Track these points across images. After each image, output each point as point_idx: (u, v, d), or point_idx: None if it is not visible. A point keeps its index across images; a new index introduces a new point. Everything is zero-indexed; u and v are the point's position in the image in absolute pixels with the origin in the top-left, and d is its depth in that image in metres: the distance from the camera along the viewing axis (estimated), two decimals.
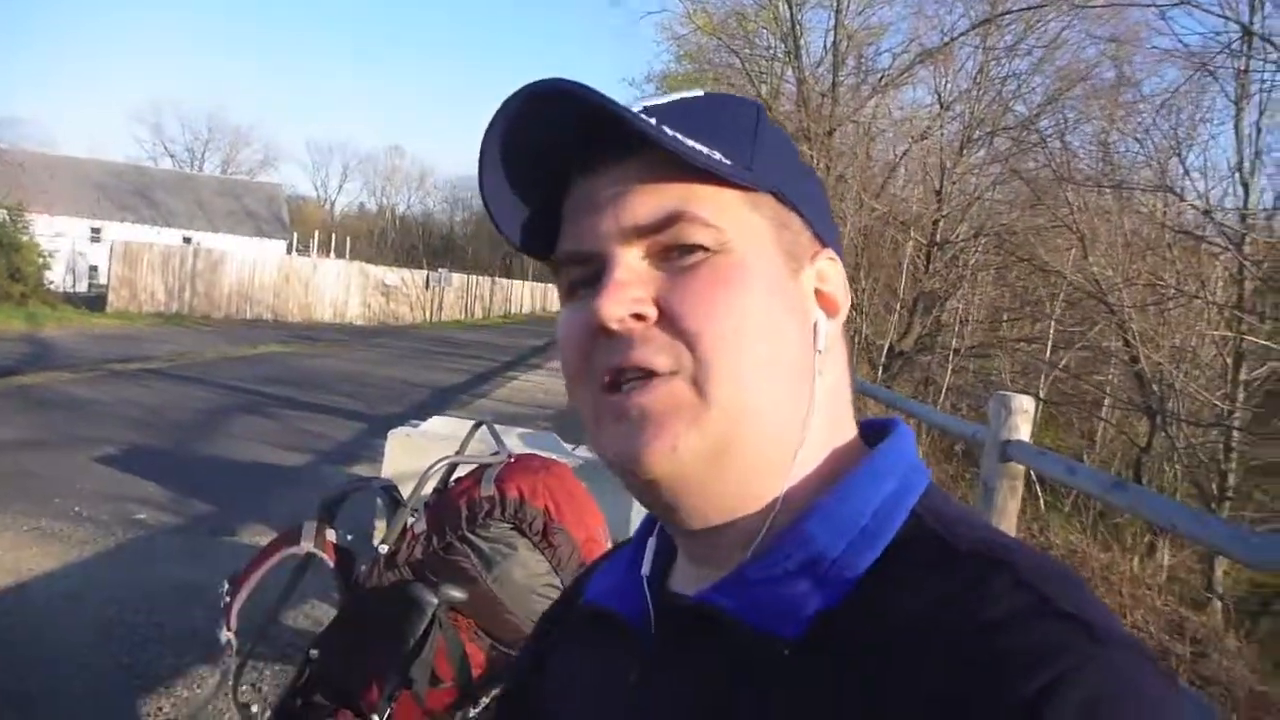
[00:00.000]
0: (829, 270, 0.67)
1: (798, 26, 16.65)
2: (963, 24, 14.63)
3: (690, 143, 0.60)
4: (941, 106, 15.25)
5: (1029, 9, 13.29)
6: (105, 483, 7.07)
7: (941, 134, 14.90)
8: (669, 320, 0.60)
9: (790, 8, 16.53)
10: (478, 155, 0.64)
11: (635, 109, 0.62)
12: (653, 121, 0.59)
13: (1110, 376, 12.67)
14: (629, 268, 0.61)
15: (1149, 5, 9.59)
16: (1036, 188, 13.17)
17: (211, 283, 30.37)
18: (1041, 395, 12.26)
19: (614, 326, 0.60)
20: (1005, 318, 14.84)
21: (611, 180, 0.62)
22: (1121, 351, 11.08)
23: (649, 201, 0.61)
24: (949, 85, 15.36)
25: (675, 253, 0.61)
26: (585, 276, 0.64)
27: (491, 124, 0.63)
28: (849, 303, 0.68)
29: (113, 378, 13.09)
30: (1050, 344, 12.87)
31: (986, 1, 14.22)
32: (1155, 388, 10.14)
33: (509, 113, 0.62)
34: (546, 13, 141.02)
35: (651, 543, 0.72)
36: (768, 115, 0.69)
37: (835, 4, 16.17)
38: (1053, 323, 12.68)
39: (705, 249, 0.61)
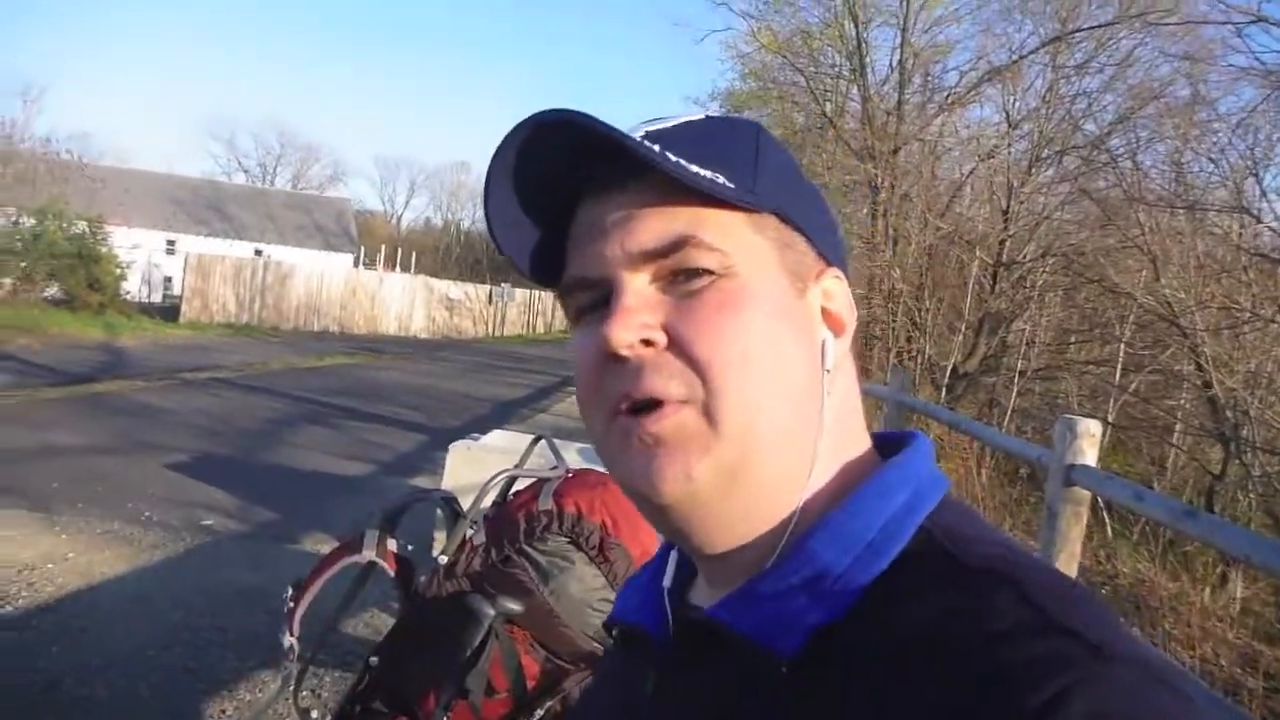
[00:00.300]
0: (835, 289, 0.68)
1: (863, 44, 16.62)
2: (1032, 42, 14.50)
3: (694, 168, 0.60)
4: (1009, 125, 15.07)
5: (1100, 26, 13.10)
6: (174, 489, 7.26)
7: (1009, 153, 14.72)
8: (679, 347, 0.60)
9: (856, 26, 16.50)
10: (484, 183, 0.66)
11: (638, 133, 0.63)
12: (656, 148, 0.60)
13: (1182, 401, 12.33)
14: (637, 293, 0.62)
15: (1224, 23, 9.37)
16: (1106, 208, 12.92)
17: (280, 295, 30.99)
18: (1110, 419, 11.98)
19: (624, 353, 0.60)
20: (1073, 340, 14.54)
21: (617, 206, 0.63)
22: (1194, 376, 10.78)
23: (655, 227, 0.62)
24: (1017, 104, 15.20)
25: (681, 277, 0.62)
26: (592, 301, 0.65)
27: (497, 153, 0.64)
28: (855, 320, 0.69)
29: (184, 386, 13.42)
30: (1120, 367, 12.57)
31: (1056, 19, 14.05)
32: (1229, 414, 9.85)
33: (515, 142, 0.63)
34: (611, 31, 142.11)
35: (673, 556, 0.73)
36: (770, 135, 0.69)
37: (901, 22, 16.13)
38: (1122, 345, 12.39)
39: (711, 273, 0.61)
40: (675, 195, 0.61)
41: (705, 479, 0.59)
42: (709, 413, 0.59)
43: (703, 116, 0.68)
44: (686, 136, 0.64)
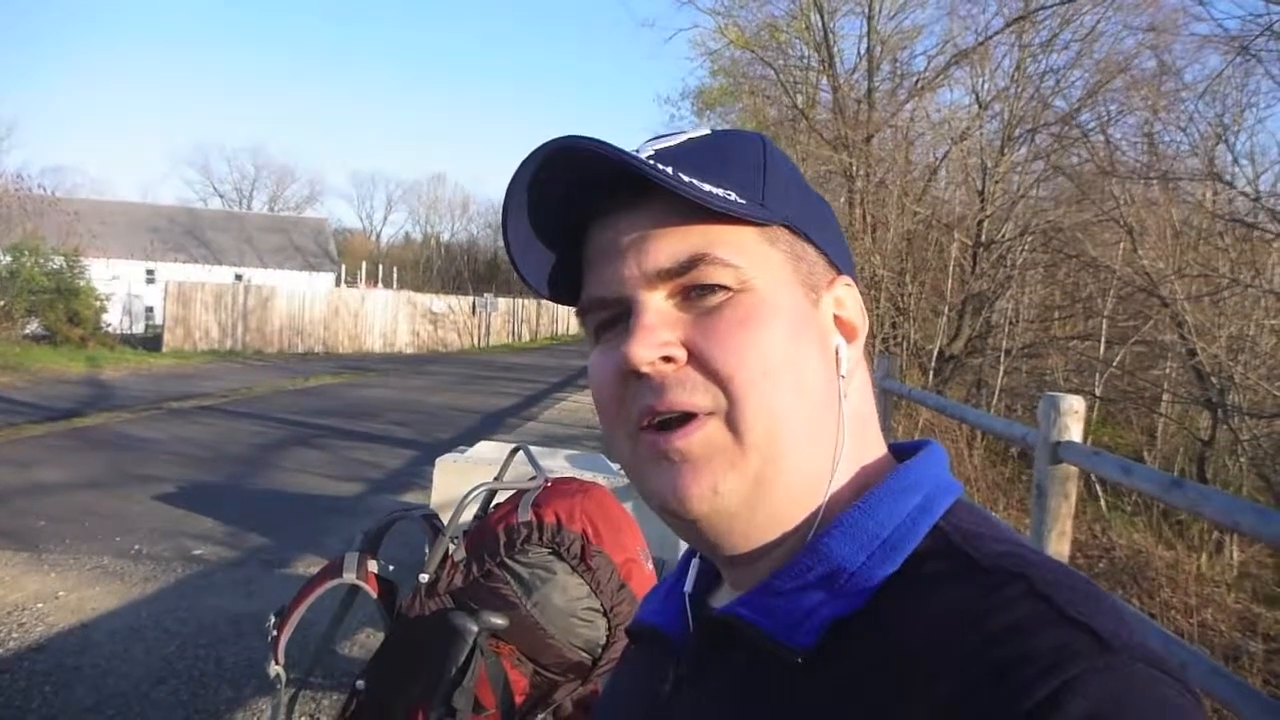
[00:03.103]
0: (846, 296, 0.69)
1: (830, 35, 16.63)
2: (997, 22, 14.51)
3: (705, 186, 0.62)
4: (980, 106, 15.09)
5: (1063, 3, 13.13)
6: (163, 520, 7.20)
7: (981, 134, 14.75)
8: (699, 361, 0.62)
9: (822, 16, 16.52)
10: (501, 216, 0.68)
11: (646, 153, 0.64)
12: (669, 170, 0.61)
13: (1168, 371, 12.38)
14: (656, 311, 0.63)
15: None
16: (1081, 183, 12.96)
17: (263, 318, 30.87)
18: (1097, 393, 12.02)
19: (645, 369, 0.62)
20: (1056, 316, 14.57)
21: (631, 226, 0.65)
22: (1177, 345, 10.82)
23: (670, 245, 0.63)
24: (986, 85, 15.21)
25: (698, 293, 0.63)
26: (611, 320, 0.66)
27: (512, 182, 0.65)
28: (867, 326, 0.70)
29: (169, 416, 13.34)
30: (1104, 340, 12.62)
31: None
32: (1214, 380, 9.89)
33: (528, 171, 0.64)
34: (576, 37, 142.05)
35: (695, 563, 0.75)
36: (775, 145, 0.71)
37: (867, 10, 16.15)
38: (1105, 319, 12.44)
39: (727, 288, 0.63)
40: (688, 213, 0.63)
41: (732, 491, 0.61)
42: (733, 424, 0.61)
43: (708, 132, 0.70)
44: (694, 154, 0.66)
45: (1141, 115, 12.67)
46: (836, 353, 0.67)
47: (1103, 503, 9.93)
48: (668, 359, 0.62)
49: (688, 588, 0.73)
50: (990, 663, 0.49)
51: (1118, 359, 12.41)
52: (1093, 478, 8.93)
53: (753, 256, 0.64)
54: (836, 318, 0.68)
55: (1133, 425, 13.16)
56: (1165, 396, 11.99)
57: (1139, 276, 10.72)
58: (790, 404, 0.62)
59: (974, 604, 0.53)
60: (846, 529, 0.61)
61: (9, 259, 22.84)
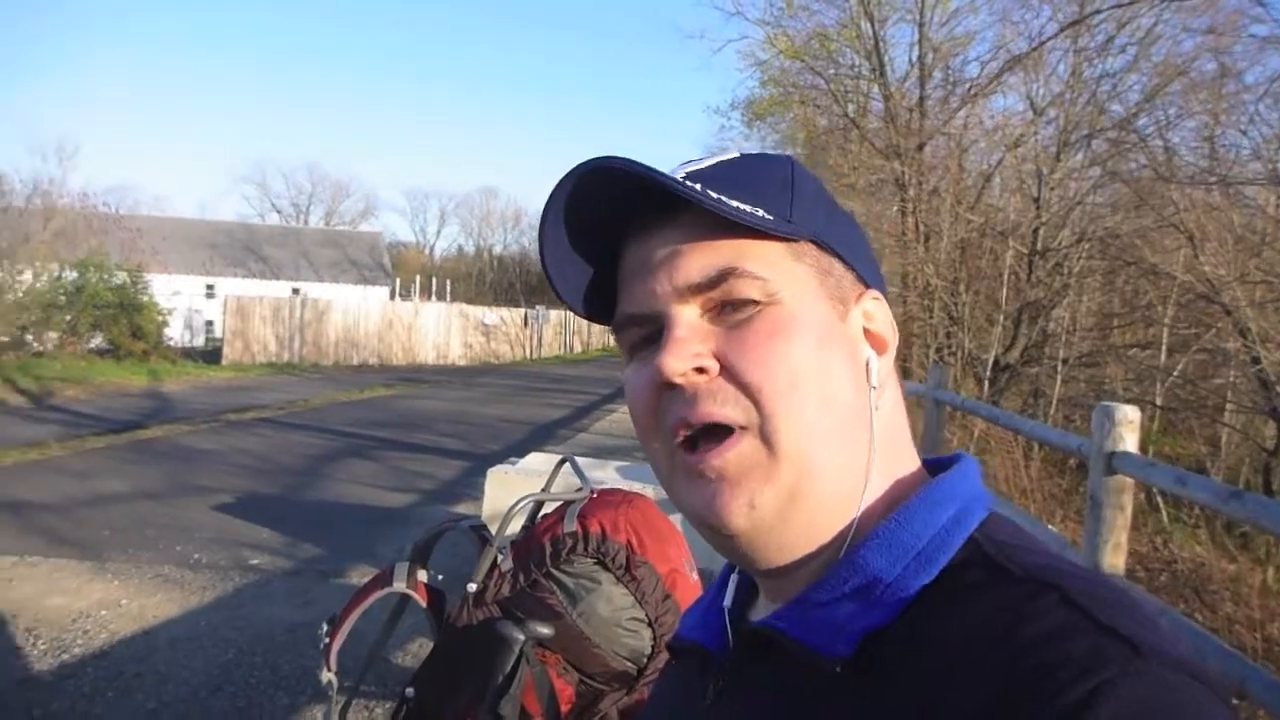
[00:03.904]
0: (874, 309, 0.71)
1: (881, 43, 16.55)
2: (1051, 27, 14.29)
3: (734, 203, 0.63)
4: (1035, 112, 14.89)
5: (1119, 6, 12.91)
6: (222, 530, 7.34)
7: (1036, 140, 14.56)
8: (730, 373, 0.63)
9: (872, 25, 16.44)
10: (538, 236, 0.70)
11: (679, 174, 0.66)
12: (697, 187, 0.63)
13: (1231, 379, 12.08)
14: (687, 324, 0.65)
15: None
16: (1139, 188, 12.72)
17: (319, 331, 31.33)
18: (1158, 402, 11.77)
19: (678, 380, 0.63)
20: (1115, 324, 14.30)
21: (663, 243, 0.67)
22: (1240, 353, 10.57)
23: (700, 261, 0.65)
24: (1041, 90, 15.02)
25: (729, 308, 0.65)
26: (646, 336, 0.68)
27: (549, 203, 0.67)
28: (897, 339, 0.71)
29: (228, 428, 13.59)
30: (1165, 349, 12.36)
31: (1074, 2, 13.87)
32: (1279, 388, 9.64)
33: (563, 192, 0.66)
34: (625, 50, 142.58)
35: (734, 578, 0.77)
36: (802, 166, 0.73)
37: (919, 18, 16.05)
38: (1165, 327, 12.18)
39: (757, 302, 0.64)
40: (717, 230, 0.65)
41: (768, 506, 0.62)
42: (766, 438, 0.62)
43: (737, 155, 0.72)
44: (724, 174, 0.68)
45: (1201, 119, 12.44)
46: (867, 365, 0.68)
47: (1164, 514, 9.71)
48: (700, 370, 0.63)
49: (727, 602, 0.74)
50: (1023, 669, 0.50)
51: (1179, 367, 12.15)
52: (1154, 489, 8.75)
53: (780, 270, 0.65)
54: (866, 331, 0.69)
55: (1195, 436, 12.86)
56: (1229, 405, 11.70)
57: (1200, 283, 10.48)
58: (822, 416, 0.63)
59: (1008, 613, 0.54)
60: (881, 541, 0.62)
61: (75, 275, 23.43)
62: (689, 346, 0.63)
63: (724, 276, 0.64)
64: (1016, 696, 0.49)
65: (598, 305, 0.72)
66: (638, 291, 0.67)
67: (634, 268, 0.68)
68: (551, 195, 0.66)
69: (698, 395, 0.63)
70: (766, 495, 0.62)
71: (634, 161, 0.63)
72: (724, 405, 0.62)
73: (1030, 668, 0.50)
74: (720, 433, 0.63)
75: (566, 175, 0.65)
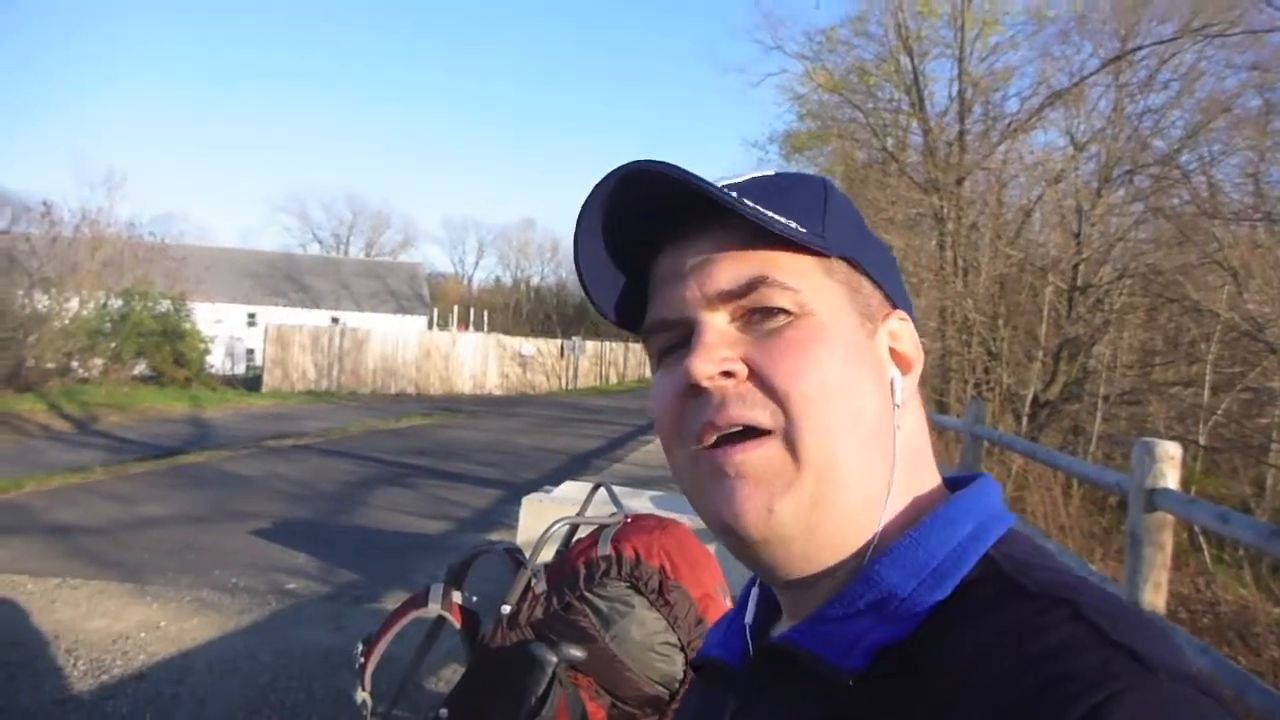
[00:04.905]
0: (901, 330, 0.71)
1: (920, 77, 16.57)
2: (1092, 63, 14.27)
3: (769, 213, 0.64)
4: (1076, 148, 14.82)
5: (1161, 43, 12.86)
6: (260, 554, 7.40)
7: (1076, 176, 14.46)
8: (759, 378, 0.64)
9: (912, 59, 16.46)
10: (573, 240, 0.70)
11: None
12: (733, 195, 0.64)
13: (1277, 418, 11.86)
14: (716, 330, 0.65)
15: None
16: (1182, 225, 12.59)
17: (358, 360, 31.59)
18: (1201, 441, 11.57)
19: (705, 384, 0.64)
20: (1157, 361, 14.11)
21: (695, 251, 0.67)
22: None
23: (732, 268, 0.66)
24: (1082, 126, 14.96)
25: (758, 316, 0.66)
26: (674, 342, 0.69)
27: (585, 206, 0.68)
28: (922, 359, 0.72)
29: (266, 454, 13.72)
30: (1208, 387, 12.17)
31: (1116, 38, 13.83)
32: None
33: (600, 195, 0.67)
34: (662, 84, 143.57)
35: (754, 594, 0.77)
36: (836, 188, 0.73)
37: (958, 53, 16.02)
38: (1208, 364, 11.99)
39: (787, 312, 0.65)
40: (750, 240, 0.66)
41: (787, 512, 0.62)
42: (791, 444, 0.63)
43: (773, 172, 0.72)
44: (759, 188, 0.68)
45: (1246, 155, 12.30)
46: (892, 383, 0.68)
47: (1206, 555, 9.53)
48: (728, 374, 0.64)
49: (748, 619, 0.75)
50: (1033, 682, 0.50)
51: (1223, 406, 11.95)
52: (1196, 529, 8.59)
53: (811, 283, 0.66)
54: (892, 350, 0.70)
55: (1239, 476, 12.62)
56: (1274, 445, 11.49)
57: (1244, 321, 10.34)
58: (846, 427, 0.63)
59: (1019, 627, 0.54)
60: (897, 557, 0.63)
61: (120, 303, 23.85)
62: (718, 351, 0.64)
63: (755, 285, 0.65)
64: (1025, 709, 0.49)
65: (630, 312, 0.73)
66: (669, 297, 0.68)
67: (666, 274, 0.69)
68: (589, 196, 0.67)
69: (725, 399, 0.64)
70: (787, 501, 0.62)
71: (670, 164, 0.64)
72: (752, 408, 0.63)
73: (1039, 681, 0.50)
74: (746, 436, 0.63)
75: (606, 176, 0.66)
